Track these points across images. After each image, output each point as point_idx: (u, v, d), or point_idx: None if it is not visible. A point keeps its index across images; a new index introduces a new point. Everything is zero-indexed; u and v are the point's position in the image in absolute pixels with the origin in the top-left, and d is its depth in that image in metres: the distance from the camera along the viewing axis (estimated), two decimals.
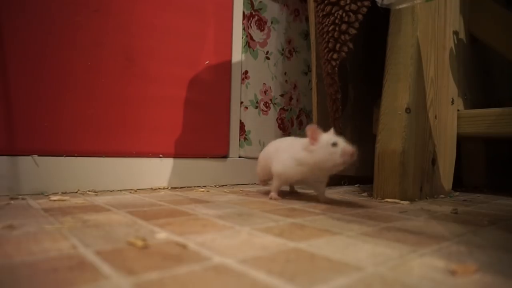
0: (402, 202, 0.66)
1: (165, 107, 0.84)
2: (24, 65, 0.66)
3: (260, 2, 1.07)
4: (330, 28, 0.74)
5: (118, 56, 0.77)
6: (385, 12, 0.75)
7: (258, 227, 0.41)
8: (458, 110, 0.87)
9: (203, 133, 0.91)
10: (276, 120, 1.12)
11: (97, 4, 0.74)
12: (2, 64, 0.64)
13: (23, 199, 0.60)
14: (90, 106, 0.73)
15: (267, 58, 1.09)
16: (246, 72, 1.03)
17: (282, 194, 0.71)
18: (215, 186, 0.91)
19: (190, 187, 0.87)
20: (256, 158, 0.82)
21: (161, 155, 0.83)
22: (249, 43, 1.04)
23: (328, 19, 0.75)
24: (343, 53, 0.74)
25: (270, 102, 1.10)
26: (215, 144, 0.94)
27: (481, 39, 1.00)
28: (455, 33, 0.89)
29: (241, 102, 1.02)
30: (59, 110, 0.70)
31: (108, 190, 0.74)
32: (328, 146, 0.57)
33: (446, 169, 0.82)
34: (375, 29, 0.87)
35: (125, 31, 0.78)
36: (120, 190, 0.76)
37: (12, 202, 0.56)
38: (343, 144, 0.57)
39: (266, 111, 1.09)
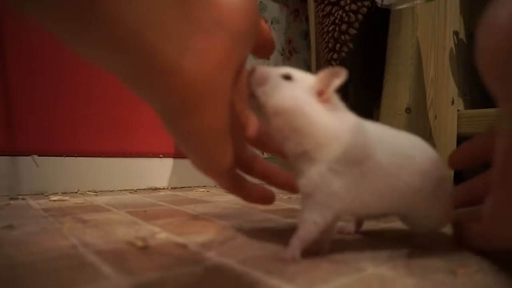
0: None
1: None
2: (24, 65, 0.66)
3: (260, 2, 1.07)
4: (330, 28, 0.74)
5: None
6: (385, 12, 0.75)
7: (258, 227, 0.41)
8: (458, 110, 0.87)
9: None
10: None
11: None
12: (2, 64, 0.64)
13: (23, 199, 0.60)
14: (90, 106, 0.73)
15: (267, 58, 1.09)
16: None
17: None
18: (215, 186, 0.91)
19: (190, 187, 0.87)
20: None
21: (161, 155, 0.83)
22: None
23: (328, 19, 0.75)
24: (343, 53, 0.74)
25: None
26: None
27: None
28: (455, 33, 0.89)
29: None
30: (59, 110, 0.70)
31: (108, 190, 0.74)
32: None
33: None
34: (375, 29, 0.87)
35: None
36: (120, 190, 0.76)
37: (12, 202, 0.56)
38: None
39: None
